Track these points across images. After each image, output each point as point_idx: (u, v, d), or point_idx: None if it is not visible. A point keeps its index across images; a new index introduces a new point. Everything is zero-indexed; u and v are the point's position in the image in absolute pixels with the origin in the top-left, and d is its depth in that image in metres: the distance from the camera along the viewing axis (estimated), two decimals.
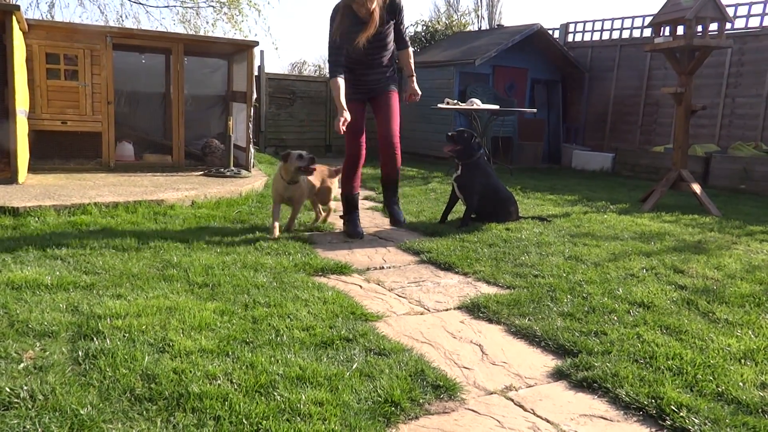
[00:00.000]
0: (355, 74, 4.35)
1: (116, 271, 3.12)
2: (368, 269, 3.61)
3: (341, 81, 4.20)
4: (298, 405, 1.84)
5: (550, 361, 2.40)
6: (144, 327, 2.37)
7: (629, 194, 7.43)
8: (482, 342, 2.57)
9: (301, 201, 4.44)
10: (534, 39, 11.25)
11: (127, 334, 2.29)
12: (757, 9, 9.40)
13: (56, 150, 6.87)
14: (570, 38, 12.50)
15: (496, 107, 8.83)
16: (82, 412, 1.74)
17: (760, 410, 1.97)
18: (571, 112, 12.40)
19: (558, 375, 2.27)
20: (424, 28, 14.10)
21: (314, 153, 12.75)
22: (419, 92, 4.60)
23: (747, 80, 9.44)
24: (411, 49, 4.66)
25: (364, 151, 4.52)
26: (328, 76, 4.23)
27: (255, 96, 7.34)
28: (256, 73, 8.21)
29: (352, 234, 4.43)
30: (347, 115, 4.10)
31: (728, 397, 2.05)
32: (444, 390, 2.05)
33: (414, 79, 4.59)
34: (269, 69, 12.08)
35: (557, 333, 2.58)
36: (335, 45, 4.21)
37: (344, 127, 4.09)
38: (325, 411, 1.82)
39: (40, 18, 12.47)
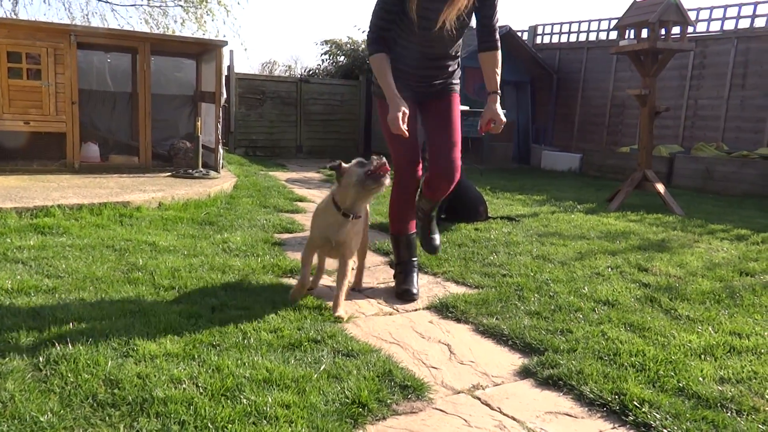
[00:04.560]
0: (403, 62, 3.01)
1: (79, 275, 3.06)
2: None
3: (386, 58, 2.93)
4: (265, 408, 1.82)
5: (517, 360, 2.42)
6: (107, 331, 2.33)
7: (596, 194, 7.56)
8: (450, 341, 2.58)
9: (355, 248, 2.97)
10: (503, 41, 11.26)
11: (89, 339, 2.25)
12: (718, 13, 9.65)
13: (19, 151, 6.71)
14: (539, 40, 12.67)
15: (466, 108, 8.89)
16: (42, 419, 1.70)
17: (718, 404, 2.02)
18: (540, 113, 12.56)
19: (524, 373, 2.30)
20: None
21: (285, 154, 12.51)
22: (504, 118, 3.06)
23: (708, 82, 9.68)
24: (500, 53, 3.09)
25: (420, 178, 3.24)
26: (367, 46, 3.02)
27: (224, 96, 7.27)
28: (225, 73, 8.14)
29: (404, 294, 3.12)
30: (405, 108, 2.84)
31: (689, 392, 2.10)
32: (412, 390, 2.06)
33: (498, 98, 3.06)
34: (239, 69, 11.98)
35: (524, 332, 2.61)
36: (388, 8, 2.88)
37: (405, 125, 2.81)
38: (292, 413, 1.81)
39: (3, 16, 12.16)
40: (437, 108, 3.15)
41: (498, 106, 3.06)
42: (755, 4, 9.20)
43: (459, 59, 3.18)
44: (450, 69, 3.13)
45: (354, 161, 2.76)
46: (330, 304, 2.83)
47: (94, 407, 1.80)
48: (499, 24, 3.05)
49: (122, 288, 2.90)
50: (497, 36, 3.05)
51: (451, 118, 3.14)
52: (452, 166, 3.09)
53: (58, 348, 2.15)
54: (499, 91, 3.09)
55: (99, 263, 3.30)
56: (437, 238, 3.52)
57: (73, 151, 6.64)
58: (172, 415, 1.76)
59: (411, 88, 3.04)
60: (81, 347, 2.16)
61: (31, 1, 29.34)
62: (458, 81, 3.22)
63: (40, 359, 2.07)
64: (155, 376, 1.98)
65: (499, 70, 3.06)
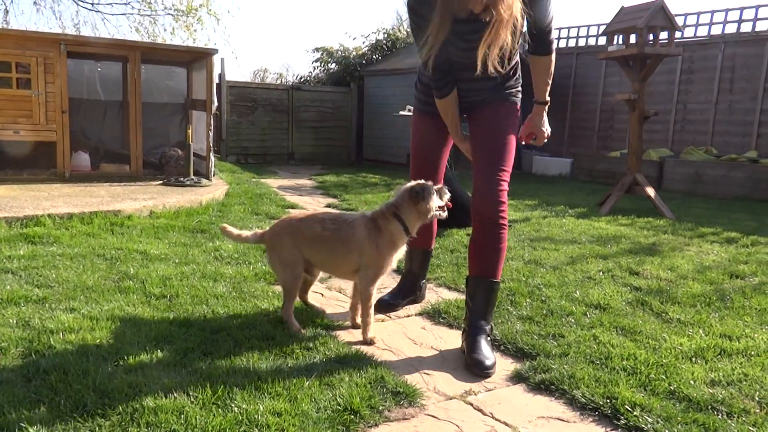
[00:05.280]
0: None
1: (70, 284, 3.04)
2: (330, 277, 3.59)
3: (453, 98, 2.60)
4: (256, 416, 1.82)
5: (509, 365, 2.43)
6: (98, 341, 2.32)
7: (587, 198, 7.59)
8: (443, 347, 2.59)
9: None
10: None
11: (80, 349, 2.23)
12: (705, 18, 9.75)
13: (8, 160, 6.68)
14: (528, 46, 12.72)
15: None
16: (31, 430, 1.69)
17: (709, 407, 2.03)
18: None
19: (517, 378, 2.30)
20: (386, 36, 14.18)
21: (276, 161, 12.48)
22: (548, 130, 2.77)
23: (697, 87, 9.76)
24: (554, 57, 2.62)
25: None
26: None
27: (215, 104, 7.27)
28: (216, 80, 8.14)
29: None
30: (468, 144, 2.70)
31: (680, 395, 2.11)
32: (404, 396, 2.06)
33: (544, 109, 2.73)
34: (230, 77, 11.98)
35: (516, 336, 2.62)
36: (435, 64, 2.44)
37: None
38: (284, 421, 1.80)
39: None
40: (480, 120, 2.66)
41: (544, 118, 2.73)
42: (741, 9, 9.30)
43: (517, 69, 2.65)
44: (499, 81, 2.58)
45: (432, 185, 2.74)
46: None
47: (84, 417, 1.78)
48: (553, 24, 2.49)
49: (113, 297, 2.89)
50: (551, 38, 2.53)
51: (494, 137, 2.60)
52: (490, 210, 2.53)
53: (48, 358, 2.14)
54: (547, 101, 2.70)
55: (90, 272, 3.28)
56: (483, 351, 2.42)
57: (63, 160, 6.61)
58: (163, 425, 1.75)
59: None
60: (71, 357, 2.15)
61: (22, 10, 29.28)
62: (513, 89, 2.66)
63: (30, 370, 2.05)
64: (146, 385, 1.97)
65: (550, 79, 2.64)
